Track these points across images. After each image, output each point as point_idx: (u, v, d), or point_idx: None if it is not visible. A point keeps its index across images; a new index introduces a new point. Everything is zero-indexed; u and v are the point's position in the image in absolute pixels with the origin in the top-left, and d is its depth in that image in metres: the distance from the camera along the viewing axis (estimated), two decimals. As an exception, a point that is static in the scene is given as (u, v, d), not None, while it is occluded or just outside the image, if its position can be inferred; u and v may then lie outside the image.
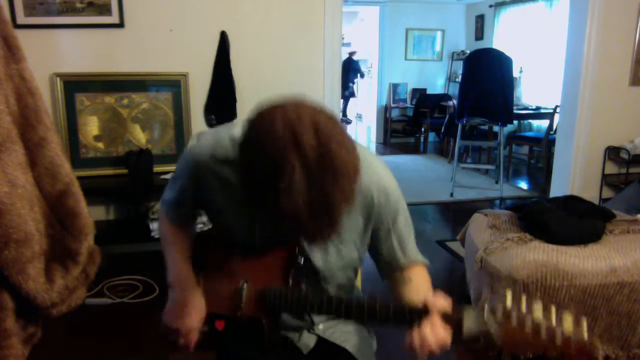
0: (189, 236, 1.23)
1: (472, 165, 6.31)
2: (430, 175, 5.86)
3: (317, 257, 1.10)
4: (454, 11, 7.87)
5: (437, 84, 8.09)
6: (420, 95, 7.75)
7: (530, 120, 6.53)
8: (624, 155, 4.03)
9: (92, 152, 3.17)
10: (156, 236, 2.99)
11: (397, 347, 0.97)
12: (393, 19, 7.60)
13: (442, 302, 0.92)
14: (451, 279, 3.04)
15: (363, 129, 9.77)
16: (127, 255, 3.19)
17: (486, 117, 4.74)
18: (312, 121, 0.79)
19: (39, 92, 1.09)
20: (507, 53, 4.56)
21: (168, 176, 3.11)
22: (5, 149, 0.95)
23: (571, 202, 2.53)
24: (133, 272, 2.93)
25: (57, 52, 3.06)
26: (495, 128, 5.82)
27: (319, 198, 0.78)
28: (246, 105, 3.34)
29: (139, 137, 3.23)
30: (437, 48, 7.96)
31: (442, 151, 7.20)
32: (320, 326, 1.19)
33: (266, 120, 0.81)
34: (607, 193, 4.14)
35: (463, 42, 7.96)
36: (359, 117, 10.87)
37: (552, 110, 5.67)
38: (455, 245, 3.36)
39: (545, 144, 5.60)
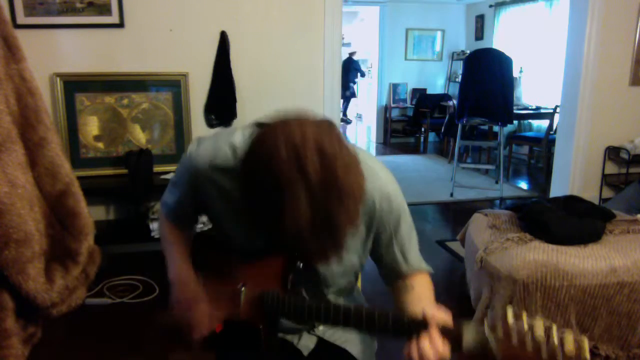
0: (188, 237, 1.23)
1: (472, 165, 6.30)
2: (430, 175, 5.86)
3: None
4: (454, 11, 7.87)
5: (437, 84, 8.10)
6: (420, 95, 7.75)
7: (530, 120, 6.53)
8: (624, 155, 4.03)
9: (92, 152, 3.17)
10: (156, 236, 2.99)
11: (397, 348, 0.96)
12: (393, 19, 7.60)
13: (441, 316, 0.91)
14: (451, 279, 3.04)
15: (363, 129, 9.78)
16: (127, 255, 3.19)
17: (486, 117, 4.74)
18: (317, 144, 0.78)
19: (39, 92, 1.09)
20: (507, 53, 4.56)
21: (168, 176, 3.11)
22: (5, 149, 0.95)
23: (571, 202, 2.53)
24: (133, 272, 2.93)
25: (57, 52, 3.06)
26: (495, 128, 5.82)
27: (323, 220, 0.77)
28: (246, 105, 3.35)
29: (139, 137, 3.23)
30: (437, 48, 7.96)
31: (442, 151, 7.20)
32: (321, 327, 1.18)
33: (269, 142, 0.79)
34: (607, 193, 4.14)
35: (463, 42, 7.96)
36: (359, 117, 10.88)
37: (552, 110, 5.67)
38: (455, 245, 3.36)
39: (545, 144, 5.60)
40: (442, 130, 6.84)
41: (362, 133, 9.51)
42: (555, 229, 2.23)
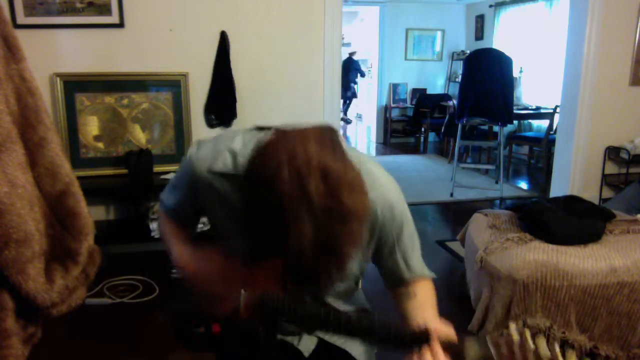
0: (189, 234, 1.22)
1: (472, 165, 6.30)
2: (430, 175, 5.86)
3: None
4: (454, 11, 7.87)
5: (437, 84, 8.10)
6: (420, 95, 7.75)
7: (530, 120, 6.53)
8: (624, 155, 4.03)
9: (92, 152, 3.17)
10: (156, 236, 2.99)
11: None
12: (393, 19, 7.60)
13: (444, 330, 0.90)
14: (451, 279, 3.04)
15: (363, 129, 9.78)
16: (127, 255, 3.19)
17: (486, 117, 4.74)
18: (320, 164, 0.75)
19: (39, 92, 1.09)
20: (507, 53, 4.56)
21: (168, 176, 3.11)
22: (5, 149, 0.95)
23: (571, 202, 2.53)
24: (133, 272, 2.93)
25: (57, 52, 3.06)
26: (495, 128, 5.82)
27: (326, 242, 0.75)
28: (246, 105, 3.35)
29: (139, 137, 3.23)
30: (437, 48, 7.97)
31: (442, 151, 7.20)
32: None
33: (271, 163, 0.77)
34: (607, 193, 4.14)
35: (463, 42, 7.96)
36: (359, 117, 10.88)
37: (552, 110, 5.67)
38: (455, 245, 3.36)
39: (545, 144, 5.60)
40: (442, 130, 6.84)
41: (362, 133, 9.51)
42: (555, 229, 2.23)
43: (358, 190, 0.78)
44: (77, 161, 3.11)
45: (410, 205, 1.09)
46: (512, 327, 0.86)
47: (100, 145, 3.18)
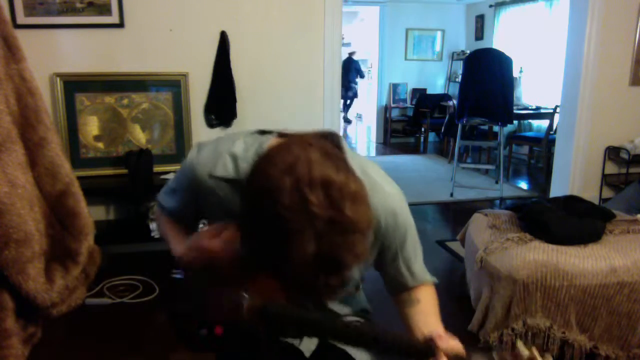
0: (189, 231, 1.21)
1: (472, 165, 6.30)
2: (430, 175, 5.86)
3: None
4: (454, 11, 7.87)
5: (437, 84, 8.10)
6: (420, 95, 7.75)
7: (530, 120, 6.53)
8: (624, 155, 4.03)
9: (92, 152, 3.17)
10: (156, 236, 2.99)
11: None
12: (393, 19, 7.60)
13: (451, 344, 0.89)
14: (451, 279, 3.04)
15: (363, 129, 9.78)
16: (127, 255, 3.19)
17: (486, 117, 4.74)
18: (322, 176, 0.73)
19: (39, 92, 1.09)
20: (507, 53, 4.56)
21: (168, 176, 3.11)
22: (5, 149, 0.95)
23: (571, 202, 2.53)
24: (133, 272, 2.93)
25: (57, 52, 3.06)
26: (495, 128, 5.82)
27: (329, 256, 0.73)
28: (246, 105, 3.35)
29: (139, 137, 3.23)
30: (437, 48, 7.97)
31: (442, 151, 7.20)
32: None
33: (272, 173, 0.74)
34: (607, 193, 4.14)
35: (463, 42, 7.96)
36: (359, 117, 10.89)
37: (552, 110, 5.67)
38: (455, 245, 3.36)
39: (545, 144, 5.60)
40: (442, 130, 6.84)
41: (362, 133, 9.51)
42: (555, 229, 2.23)
43: (361, 202, 0.76)
44: (77, 161, 3.11)
45: (410, 205, 1.08)
46: (520, 343, 0.85)
47: (100, 145, 3.18)
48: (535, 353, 0.82)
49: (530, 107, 6.27)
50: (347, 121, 10.56)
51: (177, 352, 2.20)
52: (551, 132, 5.52)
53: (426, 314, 1.07)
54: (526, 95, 6.52)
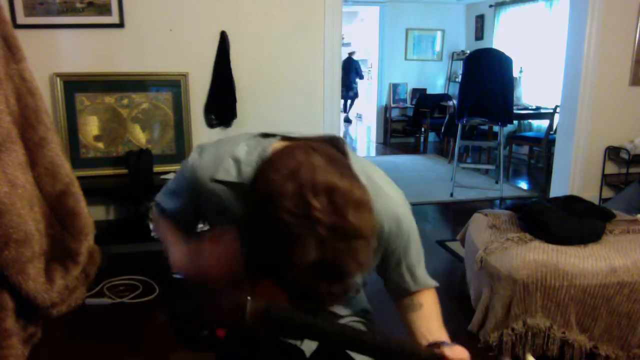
0: (188, 234, 1.21)
1: (472, 165, 6.30)
2: (430, 175, 5.86)
3: None
4: (454, 11, 7.87)
5: (437, 84, 8.10)
6: (420, 95, 7.75)
7: (530, 120, 6.53)
8: (624, 155, 4.03)
9: (92, 152, 3.17)
10: (156, 236, 2.98)
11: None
12: (393, 19, 7.60)
13: (460, 354, 0.88)
14: (451, 279, 3.04)
15: (363, 129, 9.78)
16: (127, 255, 3.19)
17: (486, 117, 4.74)
18: (326, 182, 0.72)
19: (39, 92, 1.09)
20: (507, 53, 4.56)
21: (168, 176, 3.11)
22: (5, 149, 0.95)
23: (571, 202, 2.53)
24: (133, 272, 2.93)
25: (57, 52, 3.06)
26: (495, 128, 5.82)
27: (331, 264, 0.73)
28: (246, 105, 3.35)
29: (139, 137, 3.23)
30: (437, 48, 7.97)
31: (442, 151, 7.20)
32: None
33: (275, 178, 0.74)
34: (607, 193, 4.14)
35: (463, 42, 7.96)
36: (359, 117, 10.89)
37: (552, 110, 5.67)
38: (455, 245, 3.36)
39: (545, 144, 5.60)
40: (442, 130, 6.84)
41: (362, 133, 9.51)
42: (555, 229, 2.23)
43: (364, 209, 0.75)
44: (77, 161, 3.11)
45: (410, 205, 1.08)
46: (529, 357, 0.85)
47: (100, 145, 3.18)
48: None
49: (530, 107, 6.27)
50: (348, 121, 10.56)
51: (177, 352, 2.20)
52: (551, 132, 5.52)
53: (429, 319, 1.06)
54: (526, 95, 6.52)
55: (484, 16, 7.46)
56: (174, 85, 3.22)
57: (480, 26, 7.60)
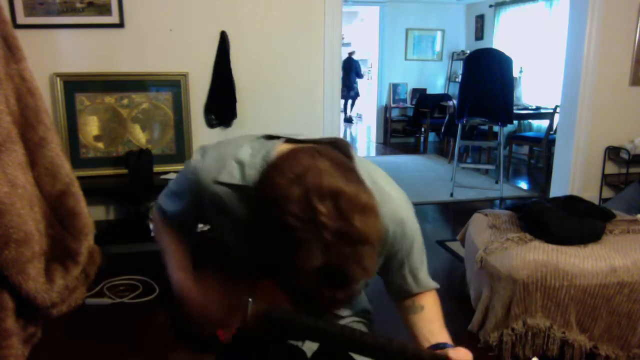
0: (188, 241, 1.20)
1: (472, 165, 6.31)
2: (430, 175, 5.86)
3: None
4: (454, 11, 7.87)
5: (437, 84, 8.10)
6: (420, 95, 7.75)
7: (530, 120, 6.53)
8: (624, 155, 4.03)
9: (92, 152, 3.17)
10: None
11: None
12: (393, 19, 7.60)
13: (464, 356, 0.88)
14: (451, 279, 3.04)
15: (363, 129, 9.78)
16: (127, 255, 3.19)
17: (486, 117, 4.74)
18: (332, 186, 0.72)
19: (39, 92, 1.09)
20: (507, 53, 4.56)
21: (168, 176, 3.11)
22: (5, 149, 0.95)
23: (571, 202, 2.53)
24: (133, 272, 2.93)
25: (57, 52, 3.06)
26: (495, 128, 5.82)
27: (336, 270, 0.72)
28: (246, 105, 3.35)
29: (139, 137, 3.23)
30: (437, 48, 7.97)
31: (442, 151, 7.20)
32: None
33: (281, 182, 0.73)
34: (607, 193, 4.14)
35: (463, 42, 7.96)
36: (359, 117, 10.89)
37: (552, 110, 5.67)
38: (455, 245, 3.36)
39: (545, 144, 5.60)
40: (442, 130, 6.84)
41: (362, 133, 9.51)
42: (555, 229, 2.23)
43: (370, 213, 0.75)
44: (77, 161, 3.11)
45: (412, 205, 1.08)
46: None
47: (100, 145, 3.18)
48: None
49: (530, 107, 6.27)
50: (350, 121, 10.56)
51: (177, 352, 2.20)
52: (551, 132, 5.52)
53: (430, 321, 1.06)
54: (526, 95, 6.52)
55: (484, 16, 7.46)
56: (174, 85, 3.22)
57: (480, 26, 7.61)
